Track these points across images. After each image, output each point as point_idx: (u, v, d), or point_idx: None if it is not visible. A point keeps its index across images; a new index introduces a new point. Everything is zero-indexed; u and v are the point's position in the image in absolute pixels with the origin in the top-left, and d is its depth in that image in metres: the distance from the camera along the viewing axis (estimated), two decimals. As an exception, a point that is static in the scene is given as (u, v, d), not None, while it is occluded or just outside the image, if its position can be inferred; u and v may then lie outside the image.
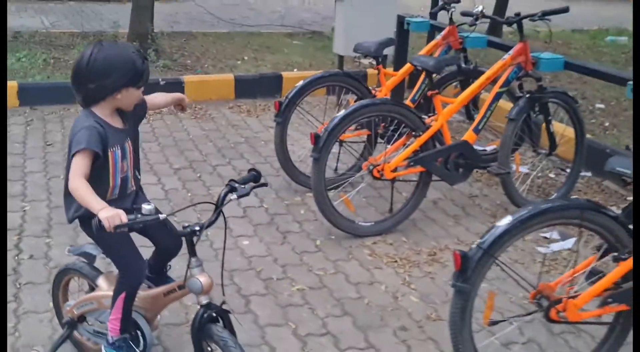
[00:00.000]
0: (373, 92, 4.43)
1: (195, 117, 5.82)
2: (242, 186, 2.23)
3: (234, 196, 2.20)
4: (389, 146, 3.97)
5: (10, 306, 3.00)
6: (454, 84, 4.81)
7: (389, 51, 5.63)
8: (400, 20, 5.78)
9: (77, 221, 2.34)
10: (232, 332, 2.25)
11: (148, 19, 7.02)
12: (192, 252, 2.22)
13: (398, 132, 3.97)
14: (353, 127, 4.36)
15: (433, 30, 5.53)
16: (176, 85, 6.14)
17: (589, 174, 4.67)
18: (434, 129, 3.84)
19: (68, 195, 2.24)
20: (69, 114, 5.50)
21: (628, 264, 2.42)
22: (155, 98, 2.58)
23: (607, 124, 5.83)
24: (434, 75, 4.01)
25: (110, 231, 1.98)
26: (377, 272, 3.49)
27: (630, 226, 2.46)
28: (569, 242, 3.72)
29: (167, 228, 2.26)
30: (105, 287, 2.46)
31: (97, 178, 2.18)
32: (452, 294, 2.41)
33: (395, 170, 3.83)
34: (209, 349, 2.25)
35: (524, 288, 2.53)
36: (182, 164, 4.75)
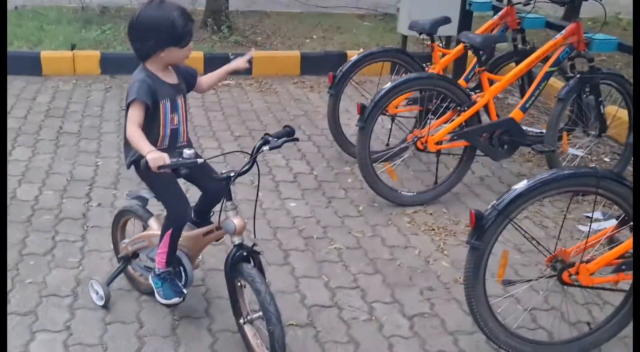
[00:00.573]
0: (427, 69, 4.56)
1: (261, 90, 6.11)
2: (275, 139, 2.45)
3: (266, 147, 2.43)
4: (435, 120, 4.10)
5: (77, 245, 3.37)
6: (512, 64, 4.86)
7: (451, 31, 5.74)
8: (465, 1, 5.83)
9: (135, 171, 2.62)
10: (261, 271, 2.49)
11: (223, -3, 7.35)
12: (228, 197, 2.47)
13: (447, 108, 4.10)
14: (405, 102, 4.56)
15: (496, 10, 5.55)
16: (245, 60, 6.43)
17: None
18: (479, 104, 3.94)
19: (127, 143, 2.54)
20: (144, 83, 5.90)
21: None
22: (209, 78, 2.78)
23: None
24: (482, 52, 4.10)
25: (154, 170, 2.25)
26: (413, 238, 3.66)
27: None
28: (611, 222, 3.76)
29: (209, 175, 2.52)
30: (155, 227, 2.75)
31: (149, 127, 2.45)
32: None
33: (440, 143, 3.97)
34: (239, 284, 2.50)
35: (541, 252, 2.65)
36: (243, 132, 5.04)
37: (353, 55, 4.59)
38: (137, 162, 2.49)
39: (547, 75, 4.10)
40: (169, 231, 2.57)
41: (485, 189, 4.30)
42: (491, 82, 4.11)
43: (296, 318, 2.91)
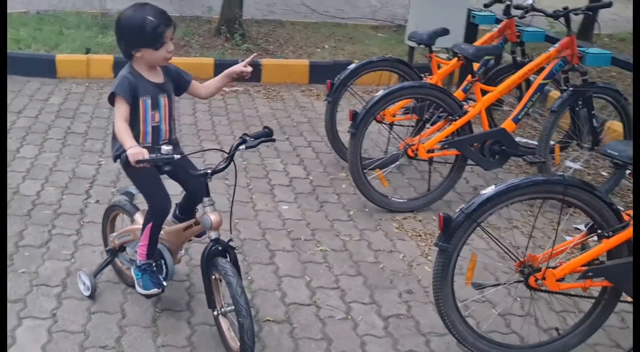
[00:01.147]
0: (425, 79, 4.64)
1: (268, 97, 6.24)
2: (252, 139, 2.56)
3: (243, 146, 2.54)
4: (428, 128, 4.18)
5: (72, 239, 3.50)
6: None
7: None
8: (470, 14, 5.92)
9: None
10: (236, 265, 2.59)
11: (237, 5, 7.51)
12: (205, 193, 2.58)
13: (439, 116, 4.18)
14: (402, 111, 4.65)
15: (499, 23, 5.62)
16: (254, 67, 6.40)
17: None
18: (470, 114, 4.02)
19: (114, 137, 2.67)
20: (154, 87, 6.07)
21: (611, 242, 2.56)
22: (209, 84, 2.88)
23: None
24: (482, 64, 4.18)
25: (134, 164, 2.38)
26: (400, 243, 3.73)
27: (617, 207, 2.59)
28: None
29: (190, 173, 2.63)
30: (140, 222, 2.86)
31: (132, 122, 2.59)
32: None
33: (431, 151, 4.05)
34: (214, 278, 2.60)
35: (511, 258, 2.71)
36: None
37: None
38: (121, 156, 2.61)
39: (540, 88, 4.16)
40: (150, 224, 2.69)
41: (477, 198, 4.35)
42: (484, 93, 4.18)
43: (274, 315, 3.00)
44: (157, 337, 2.80)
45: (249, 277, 3.28)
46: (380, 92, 3.92)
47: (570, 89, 4.07)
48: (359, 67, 4.54)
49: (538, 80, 4.16)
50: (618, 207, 2.60)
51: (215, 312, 2.65)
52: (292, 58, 7.09)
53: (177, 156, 2.43)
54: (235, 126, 5.39)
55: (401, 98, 4.04)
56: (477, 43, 4.88)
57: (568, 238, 3.82)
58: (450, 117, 4.02)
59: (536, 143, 4.72)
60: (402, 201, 4.11)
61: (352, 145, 3.95)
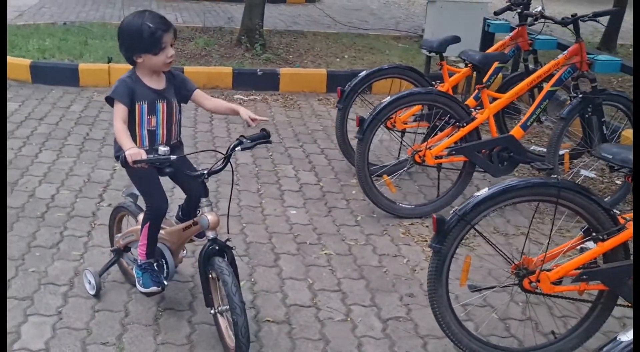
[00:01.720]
0: (436, 86, 4.66)
1: (285, 105, 6.31)
2: (249, 141, 2.62)
3: (239, 148, 2.59)
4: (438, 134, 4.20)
5: (82, 240, 3.60)
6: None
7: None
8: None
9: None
10: (233, 265, 2.64)
11: (258, 16, 7.62)
12: (203, 193, 2.64)
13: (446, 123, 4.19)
14: (412, 118, 4.67)
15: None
16: (272, 76, 6.69)
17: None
18: (478, 121, 4.02)
19: (116, 138, 2.75)
20: (174, 95, 6.20)
21: (606, 245, 2.55)
22: (217, 103, 2.88)
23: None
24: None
25: (131, 164, 2.45)
26: (405, 248, 3.75)
27: (614, 211, 2.58)
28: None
29: (188, 174, 2.69)
30: (143, 222, 2.94)
31: (130, 125, 2.66)
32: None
33: (439, 158, 4.06)
34: (211, 276, 2.66)
35: (507, 260, 2.71)
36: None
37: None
38: (120, 156, 2.70)
39: (549, 95, 4.15)
40: (147, 224, 2.77)
41: (487, 205, 4.34)
42: (493, 100, 4.18)
43: (274, 315, 3.04)
44: (157, 335, 2.86)
45: (252, 279, 3.33)
46: (387, 99, 3.96)
47: (580, 96, 4.06)
48: (370, 75, 4.58)
49: (547, 87, 4.15)
50: (614, 210, 2.59)
51: (212, 311, 2.70)
52: (311, 67, 7.16)
53: (173, 157, 2.50)
54: (250, 133, 5.42)
55: (408, 104, 4.07)
56: (489, 50, 4.88)
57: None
58: (458, 123, 4.03)
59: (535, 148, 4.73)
60: (410, 206, 4.12)
61: (359, 151, 3.98)
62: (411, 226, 4.01)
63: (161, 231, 2.88)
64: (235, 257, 3.42)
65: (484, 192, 2.56)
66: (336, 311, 3.11)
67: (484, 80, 4.42)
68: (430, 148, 4.02)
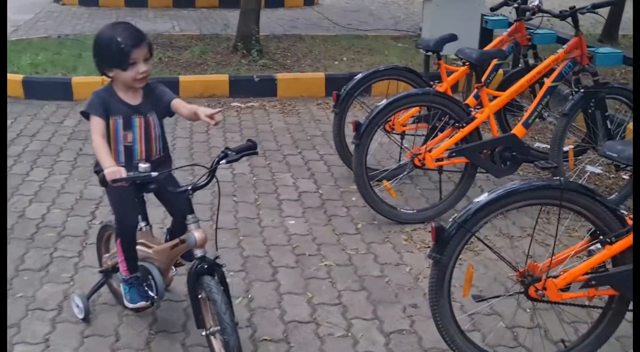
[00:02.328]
0: (434, 86, 4.52)
1: (283, 112, 6.19)
2: (234, 153, 2.49)
3: (223, 161, 2.47)
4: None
5: (72, 261, 3.48)
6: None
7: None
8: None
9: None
10: (224, 283, 2.51)
11: (253, 21, 7.51)
12: (188, 210, 2.51)
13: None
14: (412, 120, 4.54)
15: (513, 27, 5.48)
16: (269, 82, 6.57)
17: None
18: (478, 121, 3.89)
19: None
20: (169, 106, 6.09)
21: (614, 248, 2.41)
22: (184, 107, 2.61)
23: None
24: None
25: (110, 184, 2.33)
26: (407, 256, 3.61)
27: (620, 211, 2.44)
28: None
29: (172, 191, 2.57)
30: (131, 241, 2.82)
31: (107, 140, 2.55)
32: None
33: (440, 161, 3.92)
34: (200, 296, 2.53)
35: (511, 268, 2.57)
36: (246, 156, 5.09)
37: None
38: (99, 172, 2.59)
39: (550, 90, 4.01)
40: (119, 240, 2.70)
41: (492, 206, 4.20)
42: (493, 99, 4.04)
43: (271, 334, 2.91)
44: (149, 359, 2.74)
45: (249, 295, 3.20)
46: (384, 102, 3.83)
47: (582, 90, 3.91)
48: (366, 77, 4.45)
49: (547, 82, 4.01)
50: (622, 211, 2.45)
51: (204, 332, 2.58)
52: (309, 71, 7.04)
53: (154, 174, 2.38)
54: (237, 144, 5.32)
55: (405, 107, 3.93)
56: (487, 47, 4.74)
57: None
58: (457, 124, 3.89)
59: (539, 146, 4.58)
60: (412, 212, 3.99)
61: (356, 157, 3.85)
62: (413, 232, 3.88)
63: (149, 250, 2.76)
64: (232, 273, 3.36)
65: (483, 197, 2.43)
66: (336, 326, 2.98)
67: (483, 78, 4.27)
68: (430, 151, 3.89)
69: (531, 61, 4.68)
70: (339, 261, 3.54)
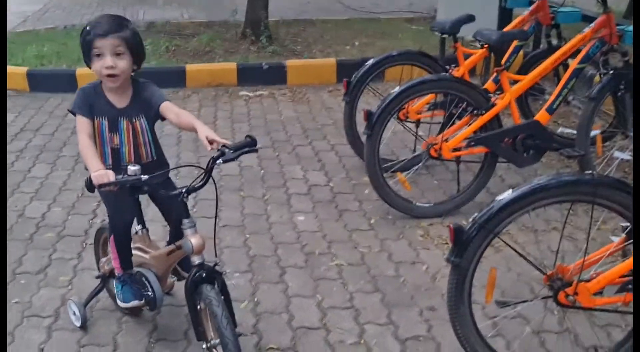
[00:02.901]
0: (450, 71, 4.28)
1: (293, 100, 5.97)
2: (231, 151, 2.28)
3: (220, 160, 2.26)
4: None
5: (71, 263, 3.32)
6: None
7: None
8: (503, -2, 5.52)
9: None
10: (225, 292, 2.32)
11: (262, 7, 7.28)
12: (184, 214, 2.32)
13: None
14: (427, 107, 4.30)
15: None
16: (279, 70, 6.35)
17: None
18: (498, 107, 3.65)
19: None
20: (177, 96, 5.90)
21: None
22: (181, 116, 2.40)
23: None
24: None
25: (98, 189, 2.15)
26: (424, 253, 3.40)
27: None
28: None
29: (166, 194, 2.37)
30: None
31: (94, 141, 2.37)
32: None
33: (457, 150, 3.70)
34: (200, 307, 2.34)
35: (538, 270, 2.35)
36: (265, 144, 4.90)
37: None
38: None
39: (576, 72, 3.75)
40: (112, 237, 2.55)
41: (514, 197, 3.96)
42: (514, 83, 3.80)
43: (278, 341, 2.72)
44: (148, 371, 2.57)
45: (255, 299, 3.01)
46: (397, 89, 3.60)
47: (611, 72, 3.65)
48: (378, 63, 4.22)
49: (573, 64, 3.75)
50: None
51: (204, 345, 2.39)
52: (320, 57, 6.80)
53: (144, 177, 2.19)
54: (257, 132, 5.13)
55: (420, 94, 3.70)
56: (507, 28, 4.48)
57: (615, 239, 3.42)
58: (476, 111, 3.65)
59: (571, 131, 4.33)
60: (428, 205, 3.77)
61: (368, 148, 3.63)
62: (430, 227, 3.66)
63: (145, 255, 2.59)
64: (237, 275, 3.18)
65: (507, 195, 2.21)
66: (348, 332, 2.78)
67: (503, 61, 4.01)
68: (446, 140, 3.66)
69: (554, 42, 4.42)
70: (350, 260, 3.34)
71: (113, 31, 2.31)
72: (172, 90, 6.02)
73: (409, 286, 3.11)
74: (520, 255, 2.36)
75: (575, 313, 2.70)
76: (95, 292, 2.85)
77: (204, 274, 2.30)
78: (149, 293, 2.56)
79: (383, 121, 3.60)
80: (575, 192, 2.20)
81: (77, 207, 3.89)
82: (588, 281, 2.23)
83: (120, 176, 2.18)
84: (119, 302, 2.63)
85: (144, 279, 2.56)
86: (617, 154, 4.32)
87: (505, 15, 5.61)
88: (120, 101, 2.42)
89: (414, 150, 4.44)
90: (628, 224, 2.24)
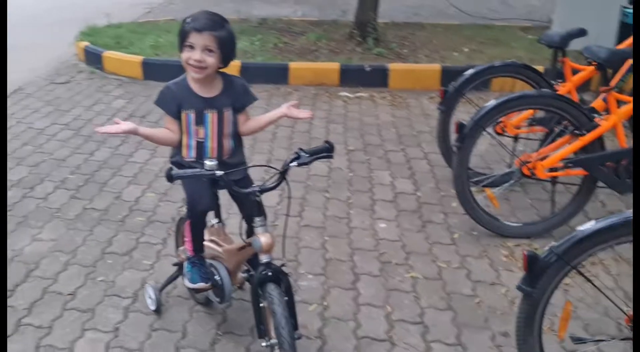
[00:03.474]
0: (556, 87, 4.08)
1: (392, 104, 5.92)
2: (307, 156, 2.29)
3: (294, 163, 2.27)
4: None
5: (156, 248, 3.45)
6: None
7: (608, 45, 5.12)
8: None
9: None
10: (290, 293, 2.33)
11: (371, 8, 7.25)
12: (256, 212, 2.35)
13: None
14: (527, 122, 4.13)
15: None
16: (381, 72, 6.32)
17: None
18: (602, 129, 3.43)
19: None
20: (278, 92, 5.99)
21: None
22: (254, 121, 2.58)
23: None
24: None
25: (172, 181, 2.22)
26: (505, 275, 3.27)
27: None
28: None
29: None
30: (206, 237, 2.71)
31: (181, 134, 2.45)
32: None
33: (553, 170, 3.52)
34: (262, 305, 2.36)
35: (620, 310, 2.20)
36: (357, 147, 4.89)
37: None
38: (173, 163, 2.56)
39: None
40: (188, 221, 2.61)
41: (612, 225, 3.73)
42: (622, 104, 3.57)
43: (341, 349, 2.71)
44: (211, 362, 2.63)
45: (325, 303, 3.01)
46: (492, 102, 3.47)
47: None
48: (478, 73, 4.10)
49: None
50: None
51: (264, 343, 2.41)
52: (425, 62, 6.69)
53: (219, 173, 2.23)
54: (350, 135, 5.14)
55: (517, 109, 3.55)
56: (622, 45, 4.21)
57: None
58: (577, 131, 3.46)
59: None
60: (517, 224, 3.62)
61: (457, 161, 3.53)
62: (516, 248, 3.51)
63: (218, 248, 2.64)
64: (310, 277, 3.19)
65: (588, 227, 2.07)
66: (413, 349, 2.72)
67: (612, 83, 3.77)
68: (542, 159, 3.49)
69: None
70: (427, 274, 3.26)
71: (209, 28, 2.38)
72: (274, 87, 6.12)
73: (484, 308, 3.00)
74: (602, 292, 2.21)
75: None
76: (171, 279, 2.95)
77: (270, 273, 2.32)
78: (217, 279, 2.61)
79: (474, 134, 3.49)
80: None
81: (168, 195, 4.04)
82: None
83: (198, 169, 2.26)
84: (186, 282, 2.69)
85: (213, 269, 2.62)
86: None
87: (625, 31, 5.27)
88: (209, 91, 2.48)
89: (509, 166, 4.29)
90: None
